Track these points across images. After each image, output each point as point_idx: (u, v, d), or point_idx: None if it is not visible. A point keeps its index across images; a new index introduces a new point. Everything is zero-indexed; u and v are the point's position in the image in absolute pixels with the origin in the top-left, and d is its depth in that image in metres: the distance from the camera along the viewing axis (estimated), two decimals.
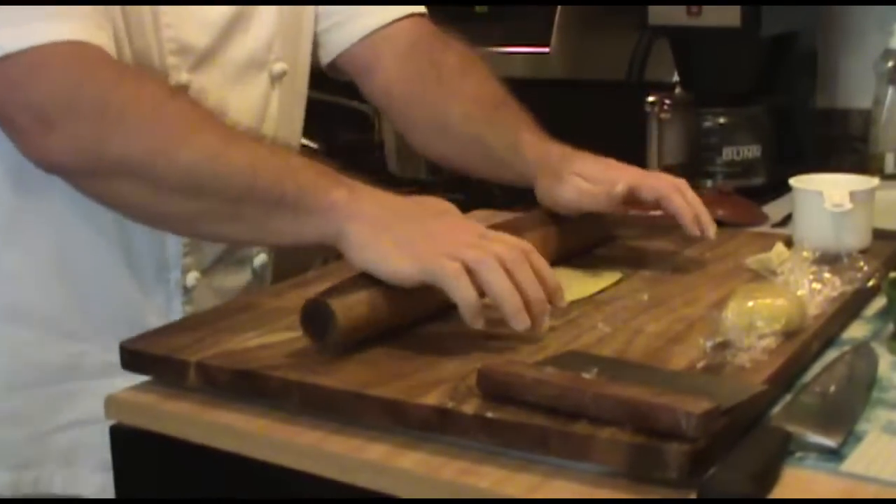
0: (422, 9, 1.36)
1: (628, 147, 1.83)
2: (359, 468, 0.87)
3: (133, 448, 1.00)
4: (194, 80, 1.16)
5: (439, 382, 0.90)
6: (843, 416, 0.88)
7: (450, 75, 1.30)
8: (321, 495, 0.90)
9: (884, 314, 1.10)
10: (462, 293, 0.95)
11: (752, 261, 1.20)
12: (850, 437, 0.85)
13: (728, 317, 0.97)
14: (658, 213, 1.44)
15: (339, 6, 1.33)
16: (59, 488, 1.20)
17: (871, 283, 1.13)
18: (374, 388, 0.90)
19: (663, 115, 1.76)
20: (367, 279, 0.99)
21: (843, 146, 1.92)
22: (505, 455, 0.84)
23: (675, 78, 1.89)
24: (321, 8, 1.33)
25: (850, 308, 1.10)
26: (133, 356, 1.02)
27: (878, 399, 0.92)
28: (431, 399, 0.87)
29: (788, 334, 0.97)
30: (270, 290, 1.22)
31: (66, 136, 1.00)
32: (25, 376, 1.18)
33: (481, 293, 0.96)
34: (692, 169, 1.73)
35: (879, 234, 1.29)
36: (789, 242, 1.23)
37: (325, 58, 1.35)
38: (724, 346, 0.95)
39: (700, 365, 0.93)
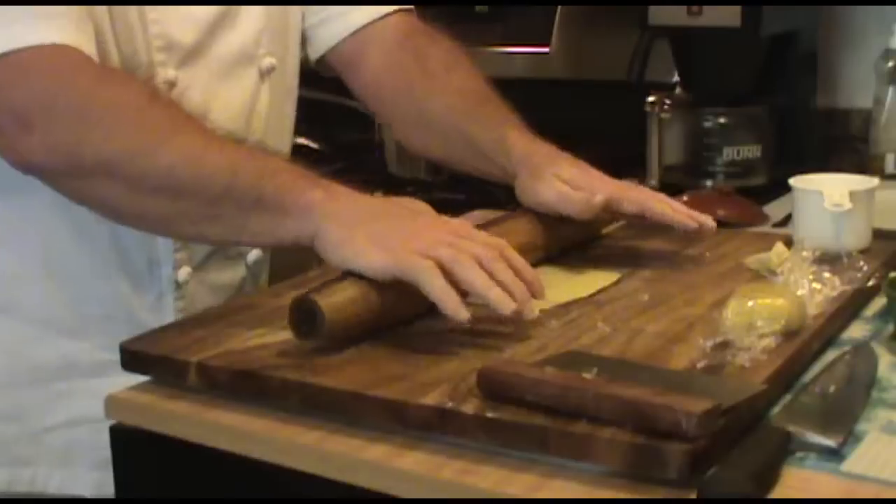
0: (409, 6, 1.37)
1: (628, 147, 1.84)
2: (359, 468, 0.87)
3: (133, 448, 1.00)
4: (182, 76, 1.17)
5: (439, 382, 0.90)
6: (843, 416, 0.88)
7: (435, 69, 1.32)
8: (321, 495, 0.90)
9: (884, 314, 1.10)
10: (436, 289, 0.96)
11: (752, 261, 1.20)
12: (850, 437, 0.85)
13: (728, 317, 0.97)
14: None
15: (326, 4, 1.34)
16: (55, 487, 1.20)
17: (870, 283, 1.13)
18: (375, 389, 0.90)
19: (663, 115, 1.76)
20: (354, 277, 1.00)
21: (844, 146, 1.92)
22: (505, 455, 0.84)
23: (676, 78, 1.89)
24: (308, 4, 1.34)
25: (850, 308, 1.10)
26: (133, 356, 1.02)
27: (878, 399, 0.92)
28: (431, 399, 0.87)
29: (788, 334, 0.97)
30: (270, 291, 1.22)
31: (46, 138, 1.01)
32: (19, 375, 1.18)
33: (462, 293, 0.97)
34: (692, 169, 1.73)
35: (879, 234, 1.29)
36: (789, 242, 1.22)
37: (314, 54, 1.35)
38: (724, 346, 0.95)
39: (700, 365, 0.93)
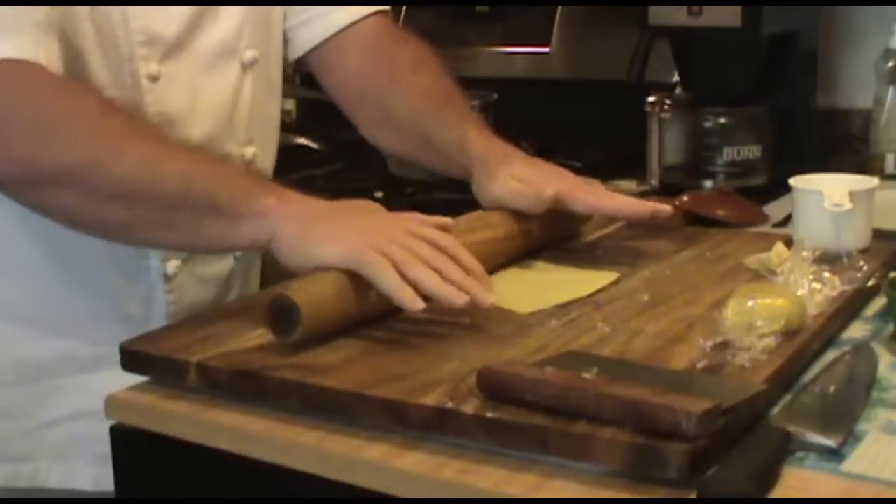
0: (385, 7, 1.39)
1: (628, 147, 1.84)
2: (359, 468, 0.87)
3: (133, 448, 1.00)
4: (165, 70, 1.17)
5: (439, 382, 0.90)
6: (843, 416, 0.88)
7: (401, 71, 1.35)
8: (321, 495, 0.90)
9: (884, 314, 1.10)
10: (390, 283, 1.00)
11: (752, 261, 1.20)
12: (850, 437, 0.85)
13: (728, 317, 0.97)
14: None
15: (307, 5, 1.35)
16: (54, 482, 1.21)
17: (870, 283, 1.13)
18: (374, 389, 0.90)
19: (664, 115, 1.76)
20: (328, 273, 1.02)
21: (844, 146, 1.92)
22: (505, 455, 0.84)
23: (676, 78, 1.89)
24: (290, 4, 1.35)
25: (850, 308, 1.10)
26: (133, 357, 1.02)
27: (878, 399, 0.92)
28: (431, 399, 0.87)
29: (788, 334, 0.97)
30: (269, 292, 1.22)
31: (4, 150, 1.03)
32: (13, 373, 1.19)
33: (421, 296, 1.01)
34: (693, 169, 1.73)
35: (879, 234, 1.29)
36: (789, 242, 1.22)
37: (294, 54, 1.37)
38: (724, 346, 0.95)
39: (700, 365, 0.93)
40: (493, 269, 1.19)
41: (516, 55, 2.19)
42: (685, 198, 1.51)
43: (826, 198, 1.25)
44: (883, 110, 1.77)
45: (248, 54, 1.26)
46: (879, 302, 1.13)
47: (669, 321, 1.05)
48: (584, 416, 0.81)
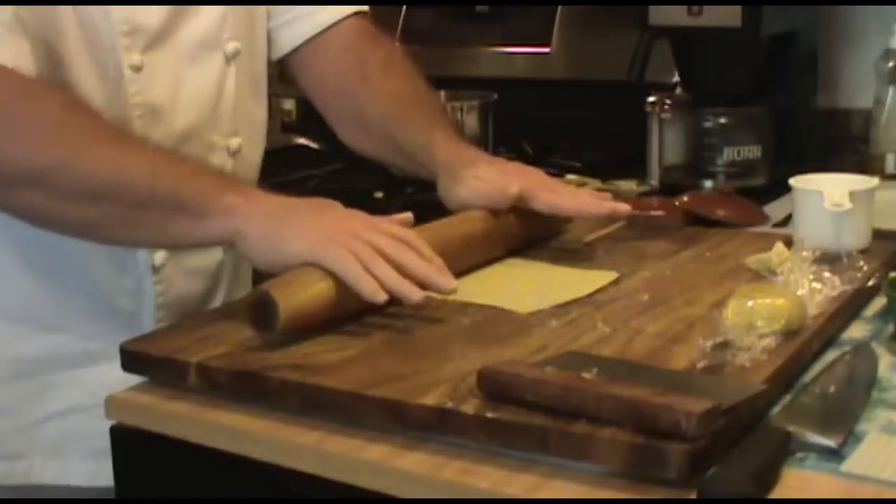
0: (364, 7, 1.40)
1: (629, 147, 1.84)
2: (359, 468, 0.87)
3: (133, 448, 1.00)
4: (148, 61, 1.18)
5: (439, 383, 0.90)
6: (843, 416, 0.88)
7: (372, 74, 1.36)
8: (321, 495, 0.90)
9: (884, 314, 1.10)
10: (353, 275, 1.02)
11: (752, 261, 1.20)
12: (850, 438, 0.85)
13: (728, 317, 0.97)
14: (659, 213, 1.45)
15: (291, 5, 1.36)
16: (50, 478, 1.21)
17: (870, 283, 1.13)
18: (374, 389, 0.90)
19: (664, 116, 1.76)
20: (305, 268, 1.03)
21: (844, 146, 1.91)
22: (505, 455, 0.84)
23: (676, 78, 1.89)
24: (273, 4, 1.36)
25: (850, 308, 1.10)
26: (133, 357, 1.02)
27: (878, 399, 0.92)
28: (431, 399, 0.87)
29: (788, 334, 0.97)
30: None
31: None
32: (6, 370, 1.19)
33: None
34: (693, 169, 1.73)
35: (879, 234, 1.29)
36: (789, 242, 1.22)
37: (277, 53, 1.38)
38: (724, 346, 0.95)
39: (700, 365, 0.93)
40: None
41: (516, 55, 2.19)
42: (685, 198, 1.51)
43: (826, 198, 1.25)
44: (883, 110, 1.77)
45: (231, 46, 1.27)
46: (879, 302, 1.13)
47: (669, 321, 1.05)
48: (584, 416, 0.81)
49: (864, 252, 1.21)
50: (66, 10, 1.12)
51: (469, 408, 0.85)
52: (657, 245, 1.32)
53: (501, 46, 2.19)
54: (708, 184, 1.71)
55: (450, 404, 0.86)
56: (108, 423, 1.00)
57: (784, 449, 0.82)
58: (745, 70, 1.76)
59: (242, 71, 1.29)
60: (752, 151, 1.72)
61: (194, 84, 1.23)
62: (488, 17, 2.23)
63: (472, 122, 1.99)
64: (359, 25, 1.39)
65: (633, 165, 1.82)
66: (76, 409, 1.19)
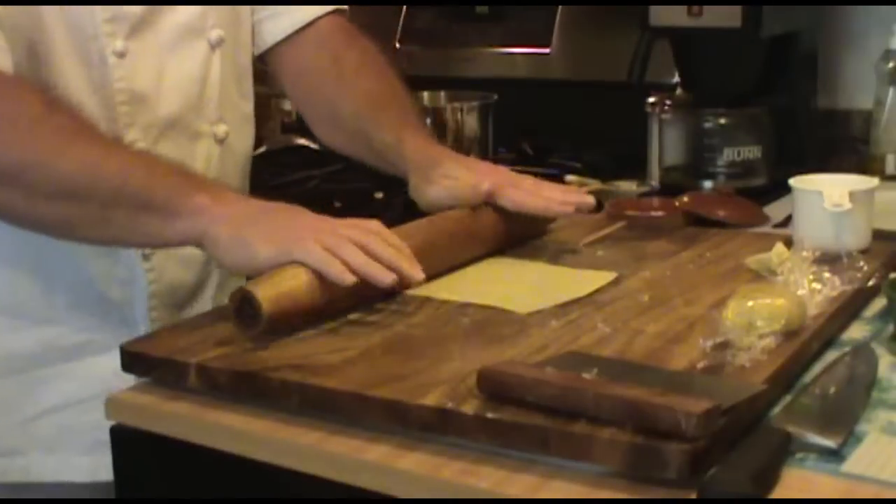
0: (344, 6, 1.41)
1: (629, 147, 1.84)
2: (359, 469, 0.87)
3: (133, 449, 1.00)
4: (132, 47, 1.19)
5: (439, 383, 0.90)
6: (843, 416, 0.88)
7: (346, 72, 1.37)
8: (321, 495, 0.90)
9: (884, 314, 1.10)
10: (319, 258, 1.03)
11: (752, 261, 1.20)
12: (850, 438, 0.85)
13: (728, 317, 0.97)
14: (659, 213, 1.45)
15: (270, 5, 1.37)
16: (49, 475, 1.21)
17: (870, 284, 1.13)
18: (375, 389, 0.90)
19: (664, 116, 1.76)
20: (286, 266, 1.03)
21: (844, 147, 1.91)
22: (505, 455, 0.84)
23: (676, 79, 1.89)
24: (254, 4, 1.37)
25: (849, 308, 1.10)
26: (133, 358, 1.02)
27: (878, 400, 0.92)
28: (431, 399, 0.87)
29: (788, 334, 0.97)
30: None
31: None
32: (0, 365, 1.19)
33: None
34: (693, 170, 1.73)
35: (879, 234, 1.29)
36: (789, 243, 1.23)
37: (257, 50, 1.38)
38: (724, 346, 0.95)
39: (700, 365, 0.93)
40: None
41: (516, 55, 2.19)
42: (685, 198, 1.51)
43: (826, 198, 1.25)
44: (883, 111, 1.77)
45: (215, 33, 1.27)
46: (879, 302, 1.13)
47: (669, 321, 1.05)
48: (584, 417, 0.81)
49: (864, 252, 1.21)
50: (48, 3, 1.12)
51: (469, 408, 0.85)
52: (657, 245, 1.32)
53: (501, 47, 2.20)
54: (708, 184, 1.71)
55: (450, 405, 0.86)
56: (104, 416, 1.00)
57: (784, 449, 0.82)
58: (745, 71, 1.76)
59: (227, 60, 1.29)
60: (753, 152, 1.72)
61: (178, 70, 1.24)
62: (488, 18, 2.23)
63: (472, 122, 1.99)
64: (336, 23, 1.40)
65: (634, 166, 1.82)
66: (71, 403, 1.19)
